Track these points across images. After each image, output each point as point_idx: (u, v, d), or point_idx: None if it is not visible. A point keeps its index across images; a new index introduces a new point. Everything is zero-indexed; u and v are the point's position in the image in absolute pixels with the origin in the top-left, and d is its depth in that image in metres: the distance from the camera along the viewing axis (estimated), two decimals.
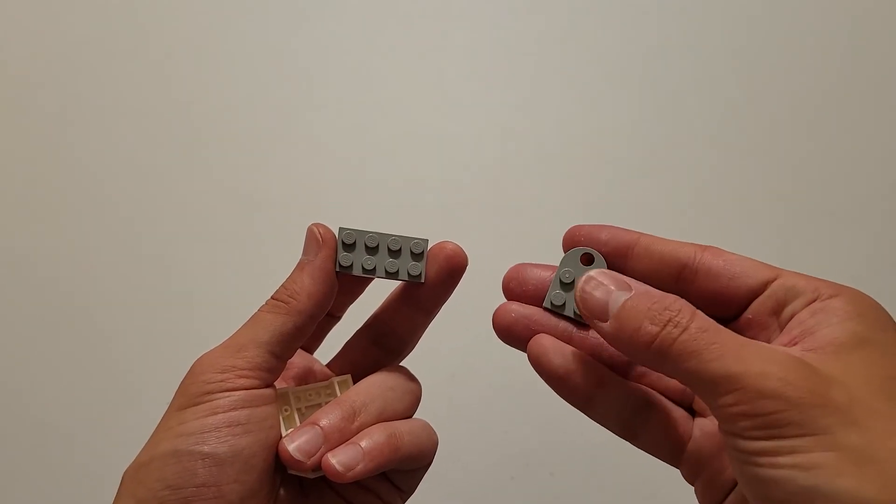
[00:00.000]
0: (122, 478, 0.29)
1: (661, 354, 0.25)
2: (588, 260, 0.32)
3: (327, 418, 0.30)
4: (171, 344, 0.68)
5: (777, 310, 0.28)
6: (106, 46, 0.73)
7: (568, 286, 0.32)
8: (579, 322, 0.32)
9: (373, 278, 0.34)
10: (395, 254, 0.33)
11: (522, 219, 0.70)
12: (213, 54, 0.73)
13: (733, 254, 0.30)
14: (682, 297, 0.27)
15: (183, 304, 0.69)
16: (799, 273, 0.29)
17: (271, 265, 0.71)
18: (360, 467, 0.29)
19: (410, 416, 0.34)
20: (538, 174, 0.71)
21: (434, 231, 0.35)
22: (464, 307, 0.72)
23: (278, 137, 0.72)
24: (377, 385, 0.32)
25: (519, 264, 0.33)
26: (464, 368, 0.67)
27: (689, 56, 0.72)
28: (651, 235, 0.31)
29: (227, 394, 0.29)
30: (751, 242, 0.70)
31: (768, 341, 0.28)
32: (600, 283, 0.28)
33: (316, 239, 0.32)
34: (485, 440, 0.66)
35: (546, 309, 0.32)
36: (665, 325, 0.25)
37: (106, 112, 0.72)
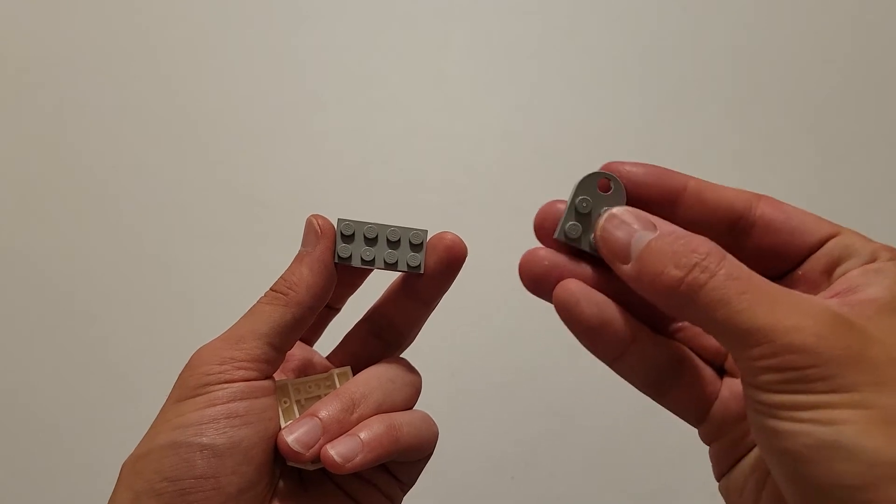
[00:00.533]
0: (121, 470, 0.29)
1: (686, 301, 0.24)
2: (606, 187, 0.29)
3: (326, 410, 0.30)
4: (171, 341, 0.67)
5: (830, 268, 0.26)
6: (107, 46, 0.73)
7: (584, 217, 0.29)
8: (596, 258, 0.29)
9: (372, 269, 0.34)
10: (394, 245, 0.32)
11: (523, 218, 0.70)
12: (213, 54, 0.73)
13: (791, 206, 0.27)
14: (735, 250, 0.25)
15: (182, 301, 0.69)
16: (860, 234, 0.26)
17: (271, 263, 0.71)
18: (358, 459, 0.29)
19: (410, 408, 0.33)
20: (539, 174, 0.70)
21: (434, 229, 0.35)
22: (465, 306, 0.72)
23: (279, 137, 0.72)
24: (377, 377, 0.32)
25: (554, 201, 0.30)
26: (464, 367, 0.67)
27: (691, 56, 0.72)
28: (701, 180, 0.28)
29: (226, 385, 0.29)
30: None
31: None
32: (623, 222, 0.26)
33: (314, 230, 0.32)
34: (485, 440, 0.66)
35: (558, 241, 0.29)
36: (691, 270, 0.24)
37: (106, 112, 0.72)
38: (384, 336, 0.35)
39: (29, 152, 0.72)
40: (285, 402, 0.32)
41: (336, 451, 0.29)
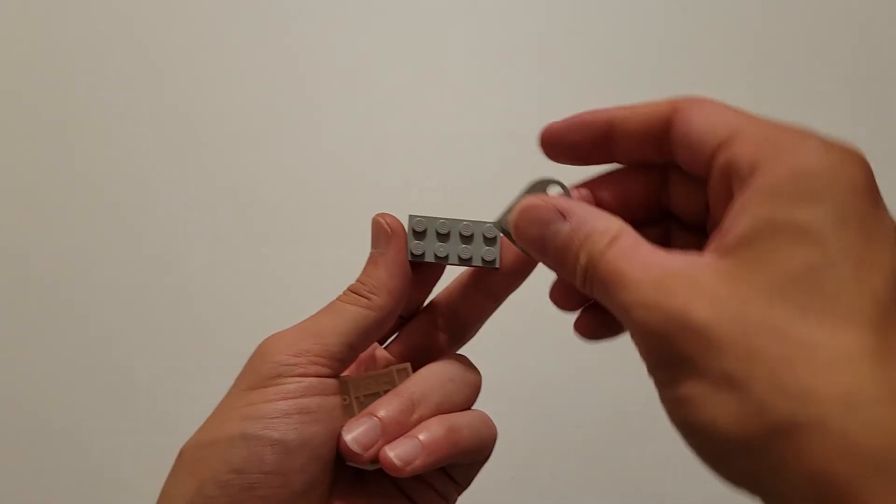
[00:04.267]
0: (180, 454, 0.28)
1: (589, 287, 0.24)
2: (553, 189, 0.30)
3: (385, 409, 0.29)
4: (172, 341, 0.67)
5: (728, 196, 0.23)
6: (105, 47, 0.72)
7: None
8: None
9: (445, 266, 0.33)
10: (467, 239, 0.31)
11: None
12: (213, 54, 0.73)
13: (706, 106, 0.25)
14: (674, 175, 0.27)
15: (182, 301, 0.68)
16: (755, 128, 0.23)
17: (271, 263, 0.71)
18: (418, 462, 0.28)
19: (469, 408, 0.32)
20: (539, 174, 0.70)
21: None
22: None
23: (278, 137, 0.72)
24: (436, 376, 0.31)
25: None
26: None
27: (692, 55, 0.72)
28: (624, 107, 0.28)
29: (300, 379, 0.28)
30: None
31: None
32: (533, 220, 0.27)
33: (384, 230, 0.31)
34: None
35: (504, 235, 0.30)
36: (586, 268, 0.24)
37: (105, 113, 0.71)
38: (447, 329, 0.34)
39: (28, 153, 0.71)
40: (345, 399, 0.31)
41: (395, 453, 0.28)
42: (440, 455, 0.29)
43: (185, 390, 0.65)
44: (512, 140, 0.71)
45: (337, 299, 0.30)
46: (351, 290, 0.30)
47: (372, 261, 0.31)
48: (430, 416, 0.30)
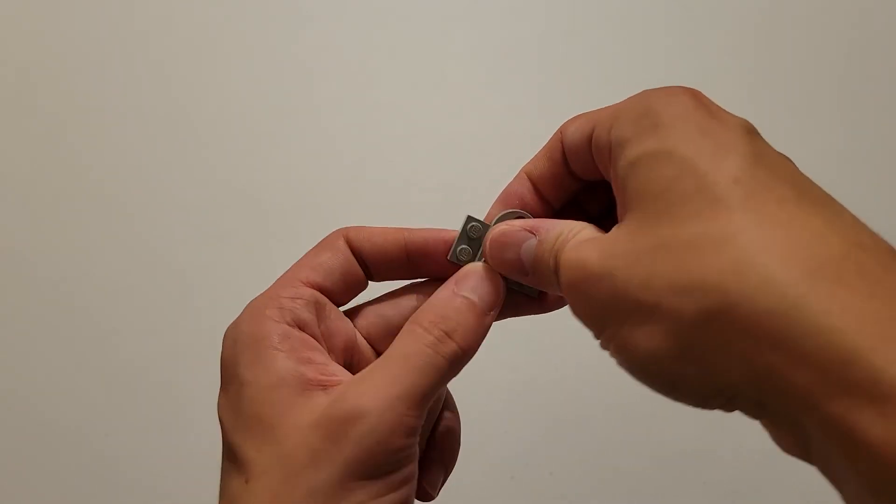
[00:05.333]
0: None
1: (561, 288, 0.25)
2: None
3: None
4: (175, 342, 0.67)
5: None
6: (107, 47, 0.72)
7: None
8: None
9: None
10: None
11: None
12: (215, 55, 0.73)
13: (574, 120, 0.27)
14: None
15: (185, 302, 0.69)
16: (607, 111, 0.25)
17: (272, 263, 0.71)
18: (440, 483, 0.28)
19: None
20: None
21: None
22: None
23: (279, 137, 0.71)
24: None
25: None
26: (464, 367, 0.67)
27: (692, 55, 0.72)
28: (528, 163, 0.30)
29: (411, 465, 0.25)
30: None
31: None
32: (504, 244, 0.27)
33: (498, 293, 0.28)
34: (485, 440, 0.66)
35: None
36: (557, 272, 0.25)
37: (107, 113, 0.72)
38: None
39: (31, 153, 0.71)
40: None
41: (428, 482, 0.27)
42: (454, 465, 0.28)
43: (186, 390, 0.65)
44: (513, 140, 0.71)
45: (419, 339, 0.26)
46: (434, 321, 0.27)
47: (471, 308, 0.27)
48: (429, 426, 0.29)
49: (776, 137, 0.75)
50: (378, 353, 0.30)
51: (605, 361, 0.72)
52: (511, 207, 0.29)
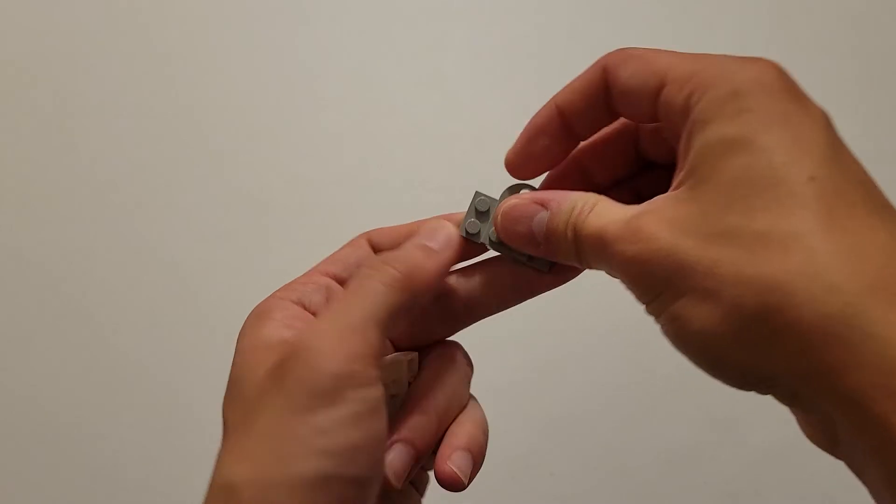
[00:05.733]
0: (234, 489, 0.22)
1: (584, 259, 0.26)
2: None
3: (412, 431, 0.27)
4: (177, 342, 0.67)
5: (678, 138, 0.25)
6: (108, 46, 0.72)
7: (484, 214, 0.30)
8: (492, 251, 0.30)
9: (483, 251, 0.30)
10: None
11: None
12: (214, 55, 0.72)
13: (631, 60, 0.26)
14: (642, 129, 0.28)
15: (187, 302, 0.69)
16: (684, 66, 0.24)
17: (272, 263, 0.71)
18: (473, 473, 0.27)
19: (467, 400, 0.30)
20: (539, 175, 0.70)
21: None
22: None
23: (279, 138, 0.71)
24: (452, 383, 0.29)
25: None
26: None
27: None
28: (558, 93, 0.30)
29: (364, 392, 0.23)
30: None
31: None
32: (516, 217, 0.27)
33: (448, 235, 0.28)
34: None
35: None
36: (575, 242, 0.26)
37: (108, 112, 0.72)
38: (454, 318, 0.30)
39: (32, 152, 0.71)
40: None
41: (457, 465, 0.26)
42: (482, 459, 0.28)
43: (188, 390, 0.65)
44: (513, 140, 0.71)
45: (365, 273, 0.26)
46: (386, 261, 0.26)
47: (422, 248, 0.28)
48: (450, 423, 0.29)
49: None
50: (393, 341, 0.31)
51: (605, 361, 0.72)
52: (537, 141, 0.30)
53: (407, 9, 0.72)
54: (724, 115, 0.22)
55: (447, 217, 0.30)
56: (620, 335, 0.68)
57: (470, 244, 0.30)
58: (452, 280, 0.30)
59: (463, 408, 0.29)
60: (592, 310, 0.68)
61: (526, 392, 0.67)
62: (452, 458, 0.27)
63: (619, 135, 0.30)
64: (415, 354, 0.30)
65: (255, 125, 0.71)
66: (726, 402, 0.67)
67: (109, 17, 0.72)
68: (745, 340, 0.21)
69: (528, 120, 0.30)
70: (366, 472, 0.23)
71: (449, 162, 0.71)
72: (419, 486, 0.31)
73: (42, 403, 0.66)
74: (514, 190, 0.30)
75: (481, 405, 0.31)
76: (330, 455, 0.22)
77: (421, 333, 0.31)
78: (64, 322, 0.67)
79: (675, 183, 0.24)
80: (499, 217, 0.28)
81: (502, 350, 0.68)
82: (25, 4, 0.72)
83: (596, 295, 0.68)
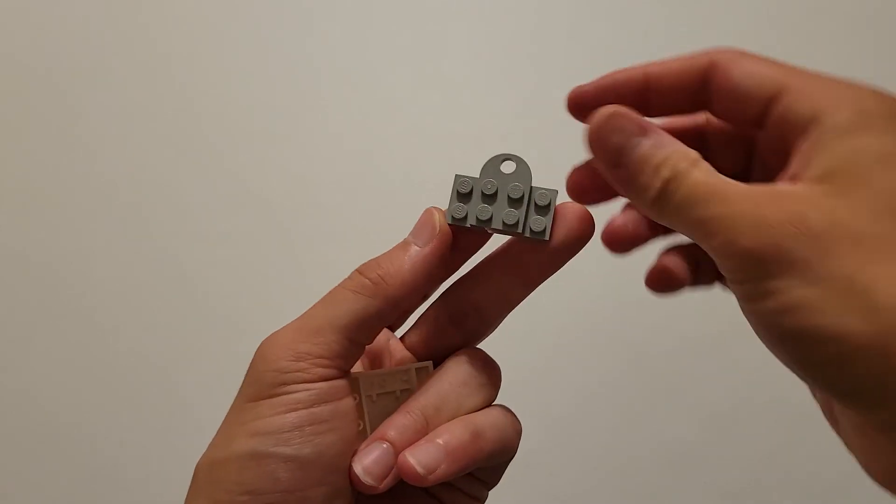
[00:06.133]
0: (196, 473, 0.26)
1: (664, 203, 0.24)
2: (509, 166, 0.28)
3: (396, 430, 0.27)
4: (177, 342, 0.67)
5: (785, 147, 0.24)
6: (109, 48, 0.72)
7: (491, 198, 0.28)
8: (480, 232, 0.29)
9: (488, 235, 0.29)
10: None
11: None
12: (216, 56, 0.72)
13: (745, 61, 0.26)
14: (712, 128, 0.27)
15: (188, 302, 0.69)
16: (805, 80, 0.24)
17: (272, 263, 0.71)
18: (441, 470, 0.26)
19: (490, 405, 0.29)
20: (539, 174, 0.70)
21: None
22: None
23: (280, 138, 0.71)
24: (450, 382, 0.28)
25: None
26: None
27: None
28: (655, 63, 0.28)
29: (307, 386, 0.25)
30: None
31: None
32: (615, 128, 0.25)
33: (432, 226, 0.28)
34: None
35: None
36: (667, 182, 0.24)
37: (110, 113, 0.72)
38: (465, 325, 0.30)
39: (36, 152, 0.70)
40: (355, 398, 0.28)
41: (417, 459, 0.25)
42: (465, 462, 0.26)
43: (189, 390, 0.65)
44: (513, 140, 0.71)
45: (340, 284, 0.27)
46: (360, 270, 0.27)
47: (402, 247, 0.28)
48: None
49: None
50: (411, 351, 0.31)
51: (605, 362, 0.72)
52: (608, 95, 0.28)
53: (407, 9, 0.72)
54: (874, 131, 0.22)
55: (438, 209, 0.29)
56: (620, 335, 0.68)
57: (460, 230, 0.29)
58: (457, 283, 0.30)
59: (467, 411, 0.28)
60: (592, 310, 0.68)
61: (525, 392, 0.67)
62: (413, 450, 0.26)
63: (689, 129, 0.29)
64: (428, 363, 0.30)
65: (255, 125, 0.71)
66: (726, 401, 0.67)
67: (111, 17, 0.72)
68: (885, 348, 0.19)
69: (608, 72, 0.29)
70: (301, 452, 0.25)
71: (449, 162, 0.71)
72: (478, 497, 0.30)
73: (42, 403, 0.66)
74: (494, 163, 0.29)
75: (511, 413, 0.29)
76: (263, 434, 0.25)
77: (437, 341, 0.30)
78: (65, 322, 0.67)
79: (790, 180, 0.23)
80: (596, 119, 0.26)
81: (502, 350, 0.68)
82: (26, 4, 0.72)
83: (596, 295, 0.68)
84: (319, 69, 0.72)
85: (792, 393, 0.68)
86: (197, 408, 0.64)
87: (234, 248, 0.68)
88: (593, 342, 0.68)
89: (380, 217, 0.68)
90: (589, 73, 0.76)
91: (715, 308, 0.69)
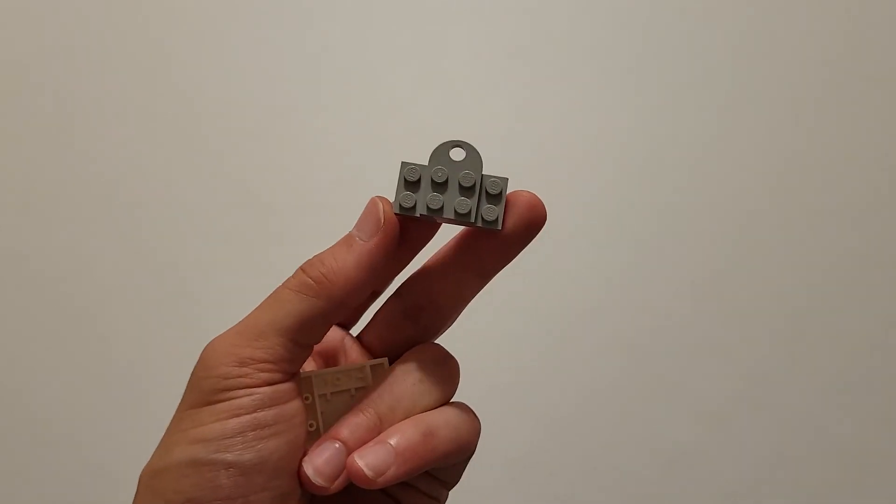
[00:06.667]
0: (139, 482, 0.26)
1: None
2: (458, 153, 0.27)
3: (348, 429, 0.26)
4: (175, 343, 0.67)
5: None
6: (107, 47, 0.72)
7: (441, 185, 0.27)
8: (431, 221, 0.28)
9: (437, 225, 0.28)
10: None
11: None
12: (215, 55, 0.72)
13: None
14: None
15: (185, 303, 0.69)
16: None
17: (272, 263, 0.71)
18: (391, 472, 0.25)
19: (447, 401, 0.29)
20: (539, 174, 0.70)
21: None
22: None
23: (280, 137, 0.71)
24: (404, 379, 0.27)
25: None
26: (463, 368, 0.67)
27: (692, 55, 0.72)
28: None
29: (249, 391, 0.25)
30: (748, 241, 0.70)
31: None
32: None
33: (377, 217, 0.26)
34: (485, 440, 0.66)
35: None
36: None
37: (108, 112, 0.72)
38: (421, 319, 0.29)
39: (33, 153, 0.71)
40: (307, 399, 0.28)
41: (366, 461, 0.25)
42: (417, 463, 0.26)
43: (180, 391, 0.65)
44: (513, 140, 0.71)
45: (283, 284, 0.27)
46: (303, 268, 0.27)
47: (346, 242, 0.27)
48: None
49: (774, 136, 0.76)
50: (367, 349, 0.31)
51: (605, 362, 0.72)
52: None
53: (407, 9, 0.72)
54: None
55: (382, 199, 0.27)
56: (620, 335, 0.68)
57: (409, 220, 0.27)
58: (411, 278, 0.30)
59: (424, 408, 0.27)
60: (592, 310, 0.68)
61: (525, 392, 0.67)
62: (362, 452, 0.25)
63: None
64: (384, 360, 0.29)
65: (254, 125, 0.71)
66: (726, 402, 0.67)
67: (110, 17, 0.72)
68: None
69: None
70: (242, 458, 0.24)
71: None
72: (437, 497, 0.30)
73: (42, 403, 0.66)
74: (443, 150, 0.27)
75: (468, 411, 0.29)
76: (203, 441, 0.24)
77: (393, 337, 0.30)
78: (63, 323, 0.67)
79: None
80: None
81: (501, 350, 0.68)
82: (26, 4, 0.72)
83: (596, 295, 0.69)
84: (319, 69, 0.72)
85: (792, 393, 0.68)
86: None
87: (235, 248, 0.68)
88: (593, 342, 0.68)
89: None
90: (589, 72, 0.76)
91: (715, 308, 0.69)
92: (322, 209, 0.69)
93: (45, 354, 0.67)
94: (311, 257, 0.27)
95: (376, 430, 0.26)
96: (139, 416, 0.65)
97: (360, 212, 0.27)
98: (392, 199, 0.27)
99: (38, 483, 0.65)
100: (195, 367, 0.26)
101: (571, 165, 0.70)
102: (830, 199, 0.69)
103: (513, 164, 0.70)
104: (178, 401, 0.27)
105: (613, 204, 0.69)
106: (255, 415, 0.25)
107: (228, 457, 0.24)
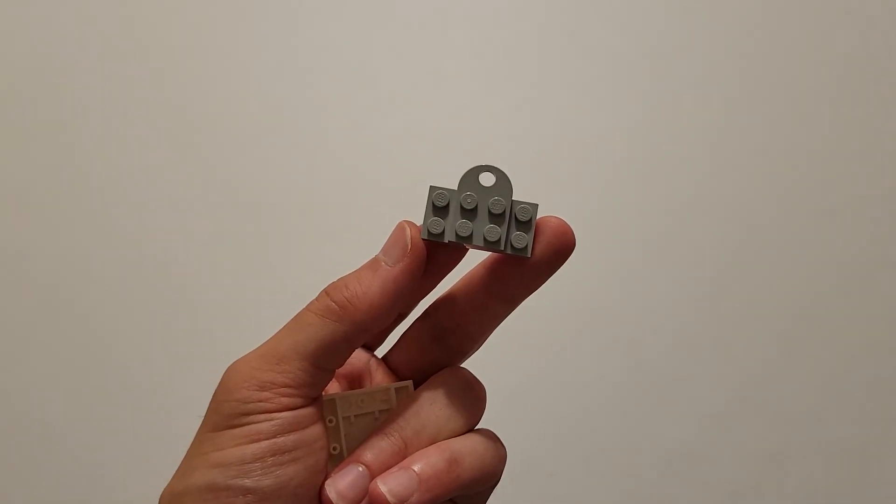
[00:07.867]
0: (159, 503, 0.26)
1: None
2: (488, 178, 0.27)
3: (372, 453, 0.26)
4: (173, 346, 0.67)
5: None
6: (106, 47, 0.72)
7: (471, 212, 0.26)
8: (459, 247, 0.27)
9: (465, 250, 0.28)
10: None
11: None
12: (213, 55, 0.72)
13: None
14: None
15: (184, 305, 0.69)
16: None
17: (272, 265, 0.71)
18: (414, 499, 0.25)
19: (473, 427, 0.28)
20: (539, 174, 0.70)
21: None
22: None
23: (279, 138, 0.71)
24: (430, 404, 0.27)
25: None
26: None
27: (693, 56, 0.72)
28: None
29: (269, 416, 0.25)
30: (749, 242, 0.70)
31: None
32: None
33: (404, 242, 0.26)
34: None
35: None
36: None
37: (105, 114, 0.71)
38: (447, 342, 0.29)
39: (30, 154, 0.71)
40: (330, 421, 0.27)
41: (388, 488, 0.25)
42: (440, 491, 0.25)
43: (185, 393, 0.65)
44: (513, 140, 0.71)
45: (306, 308, 0.26)
46: (327, 291, 0.26)
47: (372, 267, 0.26)
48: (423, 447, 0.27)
49: (775, 136, 0.76)
50: (393, 371, 0.30)
51: (605, 362, 0.72)
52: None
53: (407, 9, 0.72)
54: None
55: (410, 224, 0.27)
56: (620, 336, 0.68)
57: (437, 245, 0.27)
58: (439, 300, 0.29)
59: (449, 434, 0.27)
60: (592, 310, 0.68)
61: (525, 393, 0.67)
62: (385, 478, 0.25)
63: None
64: (408, 383, 0.29)
65: (253, 126, 0.71)
66: (726, 401, 0.67)
67: (107, 20, 0.72)
68: None
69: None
70: (261, 483, 0.24)
71: (449, 162, 0.71)
72: None
73: (41, 404, 0.66)
74: (473, 175, 0.27)
75: (495, 438, 0.28)
76: (222, 466, 0.24)
77: (420, 359, 0.29)
78: (62, 324, 0.67)
79: None
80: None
81: (501, 351, 0.68)
82: (26, 6, 0.72)
83: (595, 296, 0.69)
84: (318, 69, 0.72)
85: (792, 393, 0.68)
86: (196, 408, 0.64)
87: (235, 248, 0.68)
88: (593, 342, 0.68)
89: (380, 218, 0.68)
90: (589, 72, 0.76)
91: (716, 308, 0.69)
92: (321, 210, 0.69)
93: (43, 354, 0.67)
94: (335, 280, 0.26)
95: (401, 454, 0.26)
96: (139, 417, 0.65)
97: (360, 212, 0.27)
98: (420, 224, 0.26)
99: (37, 483, 0.65)
100: (216, 390, 0.26)
101: (574, 166, 0.70)
102: (832, 200, 0.69)
103: (514, 165, 0.70)
104: (177, 401, 0.26)
105: (615, 204, 0.69)
106: (274, 440, 0.25)
107: (247, 482, 0.24)
